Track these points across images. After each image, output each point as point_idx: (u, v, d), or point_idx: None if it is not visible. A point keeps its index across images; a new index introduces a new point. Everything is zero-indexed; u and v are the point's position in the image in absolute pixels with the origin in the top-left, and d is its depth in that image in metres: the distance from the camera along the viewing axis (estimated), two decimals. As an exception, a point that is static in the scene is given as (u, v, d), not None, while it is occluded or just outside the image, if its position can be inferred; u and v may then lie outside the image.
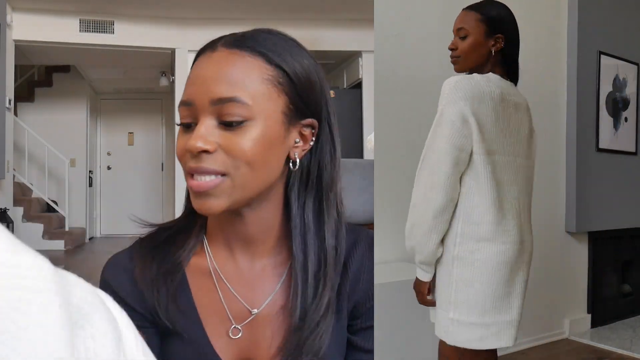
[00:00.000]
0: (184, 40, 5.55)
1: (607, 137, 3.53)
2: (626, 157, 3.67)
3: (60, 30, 5.25)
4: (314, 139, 0.73)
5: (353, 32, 5.23)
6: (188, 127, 0.69)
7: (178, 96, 6.21)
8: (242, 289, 0.74)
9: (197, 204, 0.68)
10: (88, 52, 5.67)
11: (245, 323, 0.73)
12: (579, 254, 3.50)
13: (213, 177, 0.66)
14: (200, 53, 0.71)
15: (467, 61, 1.49)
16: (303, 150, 0.72)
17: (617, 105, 3.62)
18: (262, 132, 0.66)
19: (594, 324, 3.54)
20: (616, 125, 3.61)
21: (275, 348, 0.72)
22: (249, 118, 0.66)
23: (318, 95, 0.72)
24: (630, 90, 3.71)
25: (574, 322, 3.41)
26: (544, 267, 3.02)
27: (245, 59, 0.67)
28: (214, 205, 0.66)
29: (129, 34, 5.45)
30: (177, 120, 0.72)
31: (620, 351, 3.09)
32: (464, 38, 1.48)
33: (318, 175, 0.74)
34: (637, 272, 3.90)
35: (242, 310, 0.73)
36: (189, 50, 5.63)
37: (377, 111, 2.57)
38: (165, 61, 6.05)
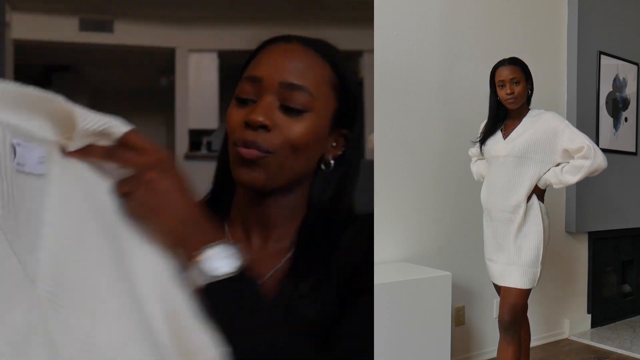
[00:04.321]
0: (184, 40, 5.54)
1: (607, 137, 3.53)
2: (626, 157, 3.67)
3: (59, 29, 5.24)
4: (343, 148, 0.80)
5: (353, 32, 5.23)
6: (244, 102, 0.74)
7: (178, 96, 6.21)
8: (249, 265, 0.81)
9: (241, 173, 0.73)
10: (88, 51, 5.66)
11: None
12: (579, 254, 3.50)
13: (261, 152, 0.73)
14: (270, 42, 0.77)
15: (519, 101, 2.08)
16: (334, 156, 0.80)
17: (617, 105, 3.62)
18: (314, 125, 0.74)
19: (594, 324, 3.54)
20: (616, 125, 3.61)
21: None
22: (309, 109, 0.74)
23: (359, 113, 0.82)
24: (630, 90, 3.71)
25: (574, 322, 3.41)
26: (544, 267, 3.02)
27: (317, 59, 0.76)
28: (255, 176, 0.73)
29: (129, 34, 5.44)
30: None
31: (620, 351, 3.09)
32: (517, 84, 2.06)
33: (340, 185, 0.80)
34: (637, 272, 3.90)
35: None
36: (189, 50, 5.62)
37: (377, 111, 2.57)
38: (165, 61, 6.05)
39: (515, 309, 2.03)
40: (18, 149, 0.57)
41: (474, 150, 2.34)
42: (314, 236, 0.78)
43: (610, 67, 3.54)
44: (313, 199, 0.79)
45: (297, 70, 0.74)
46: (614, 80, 3.59)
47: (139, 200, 0.59)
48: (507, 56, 2.16)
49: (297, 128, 0.73)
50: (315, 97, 0.74)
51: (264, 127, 0.72)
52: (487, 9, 2.94)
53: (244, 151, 0.72)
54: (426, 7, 2.70)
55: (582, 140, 2.00)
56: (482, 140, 2.20)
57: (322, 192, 0.79)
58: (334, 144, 0.78)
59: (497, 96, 2.13)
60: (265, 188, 0.75)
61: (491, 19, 2.95)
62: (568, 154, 2.04)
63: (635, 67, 3.73)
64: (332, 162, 0.78)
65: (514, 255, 2.05)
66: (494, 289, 2.30)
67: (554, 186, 2.06)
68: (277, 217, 0.79)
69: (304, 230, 0.79)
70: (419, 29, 2.68)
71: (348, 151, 0.80)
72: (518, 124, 2.12)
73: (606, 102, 3.53)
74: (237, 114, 0.74)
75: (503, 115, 2.16)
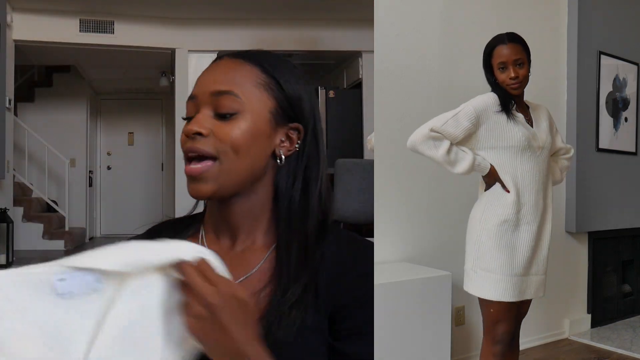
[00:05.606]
0: (184, 40, 5.55)
1: (607, 137, 3.53)
2: (626, 157, 3.67)
3: (60, 30, 5.24)
4: (299, 142, 0.82)
5: (353, 32, 5.23)
6: (189, 121, 0.79)
7: (178, 96, 6.23)
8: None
9: (190, 189, 0.78)
10: (88, 52, 5.66)
11: None
12: (579, 254, 3.50)
13: (204, 161, 0.76)
14: (210, 64, 0.83)
15: (524, 84, 1.81)
16: (289, 150, 0.81)
17: (617, 105, 3.62)
18: (250, 124, 0.78)
19: (594, 324, 3.54)
20: (616, 125, 3.61)
21: None
22: (240, 111, 0.77)
23: (306, 108, 0.83)
24: (630, 90, 3.71)
25: (574, 322, 3.41)
26: (544, 267, 3.02)
27: (244, 66, 0.80)
28: (203, 188, 0.77)
29: (129, 34, 5.45)
30: (184, 114, 0.82)
31: (620, 351, 3.09)
32: (521, 66, 1.78)
33: (304, 176, 0.82)
34: (637, 272, 3.91)
35: None
36: (189, 50, 5.63)
37: (377, 111, 2.57)
38: (165, 61, 6.05)
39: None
40: (61, 284, 0.64)
41: (450, 128, 1.80)
42: (290, 237, 0.80)
43: (610, 67, 3.55)
44: (278, 195, 0.82)
45: (224, 78, 0.79)
46: (614, 80, 3.59)
47: (201, 326, 0.65)
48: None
49: (232, 130, 0.76)
50: (245, 99, 0.78)
51: (200, 135, 0.76)
52: (487, 9, 2.94)
53: (188, 168, 0.77)
54: (426, 7, 2.70)
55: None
56: (510, 112, 1.80)
57: (285, 187, 0.81)
58: (283, 139, 0.81)
59: (495, 79, 1.82)
60: (216, 197, 0.79)
61: (491, 18, 2.95)
62: (553, 152, 1.99)
63: (635, 67, 3.73)
64: (283, 156, 0.80)
65: (546, 262, 1.88)
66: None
67: (554, 184, 2.00)
68: (240, 219, 0.82)
69: (278, 230, 0.81)
70: (419, 29, 2.68)
71: (304, 145, 0.82)
72: (528, 112, 1.88)
73: (606, 102, 3.53)
74: (184, 128, 0.79)
75: (511, 100, 1.83)
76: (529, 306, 1.96)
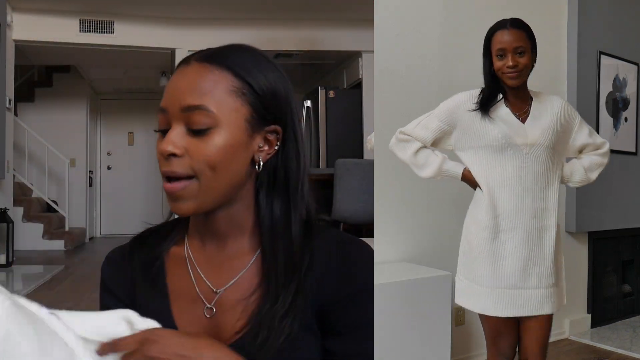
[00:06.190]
0: (184, 40, 5.55)
1: (607, 137, 3.53)
2: (626, 157, 3.67)
3: (60, 30, 5.24)
4: (278, 143, 0.79)
5: (353, 32, 5.23)
6: (164, 133, 0.76)
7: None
8: (209, 272, 0.82)
9: (171, 206, 0.77)
10: (88, 52, 5.67)
11: (212, 304, 0.80)
12: (579, 254, 3.50)
13: (182, 180, 0.74)
14: (177, 67, 0.79)
15: (524, 75, 1.64)
16: (268, 154, 0.79)
17: (617, 105, 3.62)
18: (225, 139, 0.74)
19: (594, 324, 3.54)
20: (616, 125, 3.61)
21: (239, 328, 0.77)
22: (214, 126, 0.73)
23: (283, 105, 0.79)
24: (630, 90, 3.71)
25: (574, 322, 3.41)
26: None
27: (214, 72, 0.75)
28: (184, 207, 0.75)
29: (129, 34, 5.45)
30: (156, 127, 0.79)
31: (620, 351, 3.09)
32: (522, 54, 1.63)
33: (285, 178, 0.80)
34: (637, 272, 3.91)
35: (208, 290, 0.81)
36: (188, 51, 5.63)
37: (377, 111, 2.57)
38: (165, 61, 6.05)
39: (546, 340, 1.73)
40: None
41: (420, 130, 1.73)
42: (275, 241, 0.79)
43: (610, 67, 3.55)
44: (260, 199, 0.80)
45: (195, 90, 0.74)
46: (614, 80, 3.59)
47: None
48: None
49: (207, 148, 0.73)
50: (218, 111, 0.74)
51: (175, 155, 0.73)
52: (487, 9, 2.94)
53: (166, 186, 0.75)
54: (426, 7, 2.70)
55: (599, 136, 1.79)
56: (485, 110, 1.65)
57: (267, 190, 0.80)
58: (261, 144, 0.78)
59: (493, 67, 1.67)
60: (198, 213, 0.77)
61: (491, 18, 2.94)
62: (578, 149, 1.79)
63: (635, 67, 3.73)
64: (261, 162, 0.79)
65: (553, 274, 1.69)
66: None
67: (575, 185, 1.83)
68: (225, 227, 0.81)
69: (262, 234, 0.80)
70: (419, 29, 2.68)
71: (283, 145, 0.80)
72: (526, 106, 1.69)
73: (606, 102, 3.53)
74: (159, 147, 0.77)
75: (503, 91, 1.68)
76: (543, 322, 1.73)
